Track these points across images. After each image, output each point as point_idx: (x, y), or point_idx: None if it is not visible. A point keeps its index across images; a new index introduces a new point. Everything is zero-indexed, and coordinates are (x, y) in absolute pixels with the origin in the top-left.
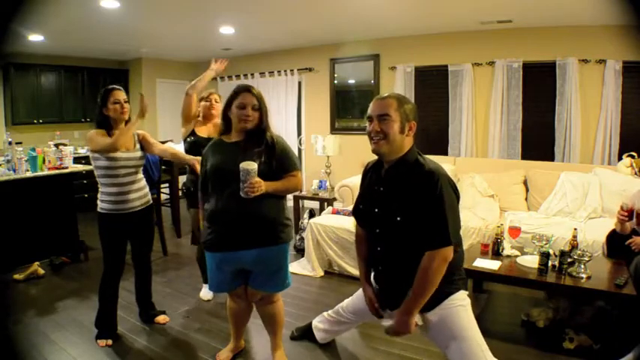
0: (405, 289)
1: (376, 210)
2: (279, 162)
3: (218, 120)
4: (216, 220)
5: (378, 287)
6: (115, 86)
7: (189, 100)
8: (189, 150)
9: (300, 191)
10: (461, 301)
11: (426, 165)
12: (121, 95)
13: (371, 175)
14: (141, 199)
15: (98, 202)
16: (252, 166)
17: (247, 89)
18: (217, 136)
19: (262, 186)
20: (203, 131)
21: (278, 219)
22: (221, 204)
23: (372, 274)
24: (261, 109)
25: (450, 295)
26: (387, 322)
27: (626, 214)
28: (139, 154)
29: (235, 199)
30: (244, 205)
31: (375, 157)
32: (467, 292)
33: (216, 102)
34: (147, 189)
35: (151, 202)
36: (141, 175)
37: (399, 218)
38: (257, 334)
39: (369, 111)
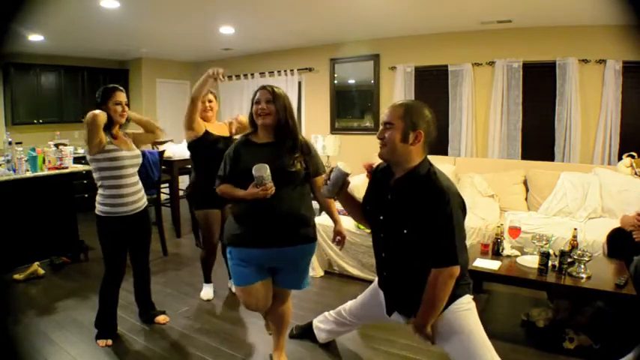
0: (410, 295)
1: (381, 217)
2: (311, 165)
3: (228, 119)
4: (249, 217)
5: (384, 292)
6: (117, 86)
7: (194, 109)
8: (192, 149)
9: None
10: (466, 305)
11: (438, 181)
12: (123, 97)
13: (380, 179)
14: (141, 200)
15: (98, 205)
16: (265, 171)
17: (262, 87)
18: (243, 136)
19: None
20: (200, 129)
21: (312, 217)
22: (256, 203)
23: (377, 279)
24: (278, 103)
25: (456, 299)
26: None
27: None
28: (138, 151)
29: (271, 198)
30: (283, 202)
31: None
32: (472, 296)
33: (209, 102)
34: (143, 190)
35: (147, 202)
36: (137, 177)
37: (405, 231)
38: (257, 334)
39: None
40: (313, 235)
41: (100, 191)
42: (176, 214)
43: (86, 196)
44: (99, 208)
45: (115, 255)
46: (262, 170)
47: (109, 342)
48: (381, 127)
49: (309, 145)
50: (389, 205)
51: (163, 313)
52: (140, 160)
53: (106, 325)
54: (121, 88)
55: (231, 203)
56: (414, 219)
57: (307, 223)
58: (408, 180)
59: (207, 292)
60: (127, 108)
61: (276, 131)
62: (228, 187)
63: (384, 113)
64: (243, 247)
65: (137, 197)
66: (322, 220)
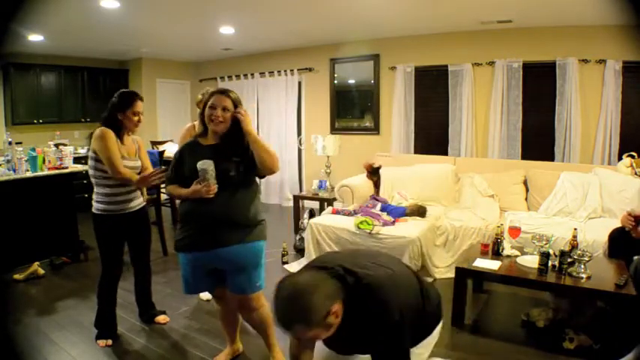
0: None
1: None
2: (254, 163)
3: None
4: (191, 220)
5: None
6: (138, 93)
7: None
8: None
9: (274, 171)
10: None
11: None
12: (141, 106)
13: None
14: (135, 199)
15: (94, 203)
16: (209, 166)
17: (222, 92)
18: (193, 137)
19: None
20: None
21: (253, 219)
22: (196, 205)
23: None
24: (232, 111)
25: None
26: None
27: (632, 219)
28: (138, 163)
29: (210, 201)
30: (219, 206)
31: None
32: (435, 337)
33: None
34: (141, 191)
35: (143, 203)
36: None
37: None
38: (257, 334)
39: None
40: (255, 236)
41: (95, 189)
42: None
43: (86, 196)
44: (94, 206)
45: (110, 253)
46: (207, 165)
47: (109, 342)
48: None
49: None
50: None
51: (163, 313)
52: (137, 168)
53: (105, 325)
54: (140, 95)
55: None
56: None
57: (245, 225)
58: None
59: (205, 292)
60: (142, 118)
61: (225, 134)
62: (173, 188)
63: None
64: (185, 252)
65: (130, 197)
66: (322, 220)
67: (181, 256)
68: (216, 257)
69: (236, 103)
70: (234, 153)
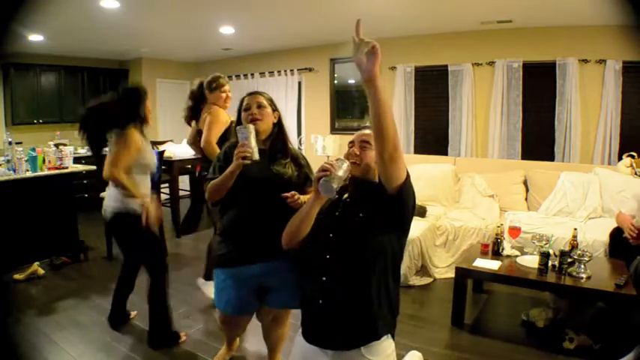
0: (351, 315)
1: (331, 235)
2: (306, 175)
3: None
4: (237, 230)
5: (317, 323)
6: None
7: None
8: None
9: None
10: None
11: None
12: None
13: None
14: (109, 205)
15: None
16: (248, 126)
17: (250, 93)
18: (235, 141)
19: (299, 199)
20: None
21: None
22: (243, 213)
23: (306, 295)
24: (269, 108)
25: (379, 338)
26: None
27: (637, 231)
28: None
29: (260, 209)
30: (269, 215)
31: None
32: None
33: (229, 92)
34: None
35: (116, 212)
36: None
37: (361, 214)
38: (257, 334)
39: (353, 137)
40: None
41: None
42: (176, 214)
43: (86, 196)
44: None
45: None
46: (245, 126)
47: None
48: (354, 146)
49: (301, 155)
50: (341, 215)
51: None
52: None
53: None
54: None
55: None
56: (372, 199)
57: None
58: (362, 183)
59: (211, 289)
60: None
61: (267, 137)
62: (215, 180)
63: (360, 133)
64: (230, 267)
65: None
66: None
67: (223, 273)
68: (266, 272)
69: (269, 100)
70: (281, 154)
